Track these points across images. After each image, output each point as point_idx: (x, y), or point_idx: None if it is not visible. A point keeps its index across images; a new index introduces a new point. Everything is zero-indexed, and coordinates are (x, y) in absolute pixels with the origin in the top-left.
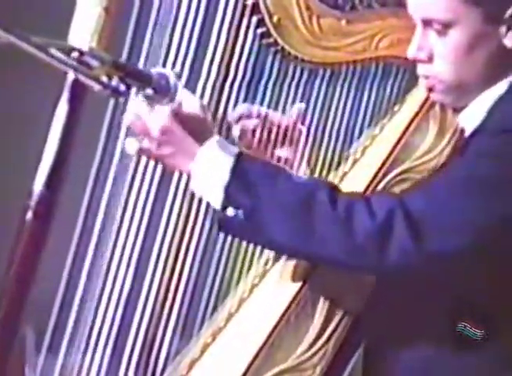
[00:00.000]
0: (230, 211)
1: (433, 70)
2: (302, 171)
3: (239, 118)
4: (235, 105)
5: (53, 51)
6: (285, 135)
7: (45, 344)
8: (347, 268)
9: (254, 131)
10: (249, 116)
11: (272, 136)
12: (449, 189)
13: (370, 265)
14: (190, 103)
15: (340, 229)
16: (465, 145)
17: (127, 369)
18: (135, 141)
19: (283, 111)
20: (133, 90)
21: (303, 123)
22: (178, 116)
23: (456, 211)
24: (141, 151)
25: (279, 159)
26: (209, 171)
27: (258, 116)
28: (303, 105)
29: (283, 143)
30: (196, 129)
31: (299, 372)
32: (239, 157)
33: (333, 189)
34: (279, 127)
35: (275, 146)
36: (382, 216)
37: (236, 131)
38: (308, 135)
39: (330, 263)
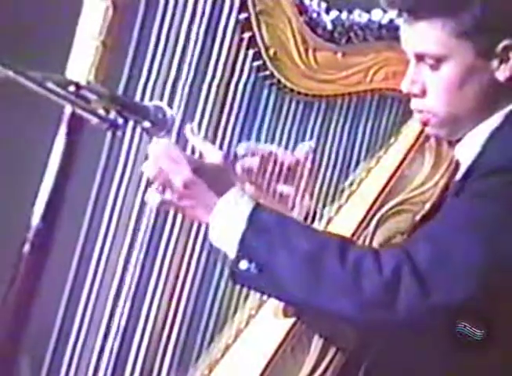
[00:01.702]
0: (243, 265)
1: (426, 105)
2: (305, 204)
3: (244, 155)
4: (231, 138)
5: (51, 85)
6: (287, 170)
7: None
8: (355, 324)
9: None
10: (253, 154)
11: (275, 172)
12: (452, 234)
13: (378, 322)
14: (212, 154)
15: (349, 285)
16: (462, 181)
17: None
18: (157, 194)
19: (280, 143)
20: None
21: (313, 161)
22: (201, 168)
23: (461, 259)
24: (163, 203)
25: (280, 193)
26: (226, 224)
27: (262, 154)
28: (312, 143)
29: (285, 178)
30: (216, 181)
31: None
32: (253, 211)
33: (344, 243)
34: (282, 164)
35: (277, 181)
36: (389, 272)
37: (238, 168)
38: (311, 171)
39: (339, 318)
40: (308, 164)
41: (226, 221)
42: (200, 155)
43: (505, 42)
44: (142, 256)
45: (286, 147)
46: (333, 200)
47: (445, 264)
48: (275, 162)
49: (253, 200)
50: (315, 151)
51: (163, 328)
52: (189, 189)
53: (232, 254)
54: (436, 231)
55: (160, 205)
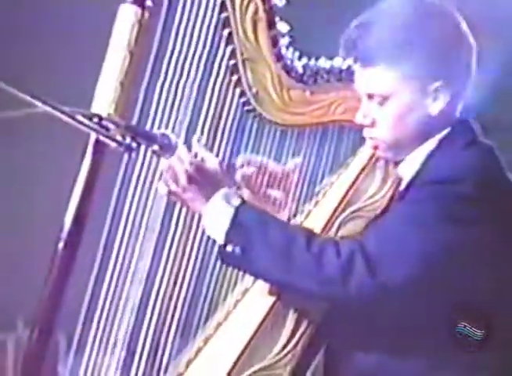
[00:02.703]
0: (229, 248)
1: (375, 133)
2: (289, 207)
3: (242, 165)
4: (224, 155)
5: (79, 117)
6: (276, 179)
7: (73, 347)
8: (317, 298)
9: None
10: (249, 164)
11: (266, 180)
12: (394, 230)
13: (336, 296)
14: (211, 160)
15: (313, 266)
16: (404, 191)
17: (138, 366)
18: (165, 186)
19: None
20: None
21: (299, 173)
22: (201, 170)
23: (399, 247)
24: (170, 193)
25: (270, 197)
26: (215, 216)
27: (257, 164)
28: (300, 159)
29: (274, 185)
30: (212, 180)
31: (273, 370)
32: (238, 209)
33: (311, 234)
34: (271, 173)
35: (268, 187)
36: (345, 255)
37: (238, 175)
38: (297, 181)
39: (305, 293)
40: (296, 175)
41: (216, 213)
42: (201, 160)
43: (436, 84)
44: (152, 248)
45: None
46: (303, 207)
47: (389, 251)
48: (266, 171)
49: (238, 200)
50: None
51: (168, 307)
52: (190, 185)
53: (220, 241)
54: (383, 227)
55: (168, 195)
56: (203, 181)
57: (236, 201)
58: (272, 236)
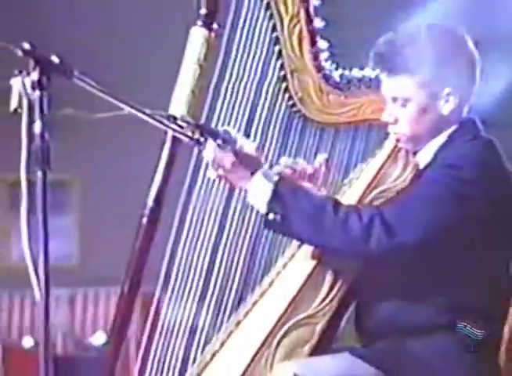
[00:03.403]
0: (271, 216)
1: (398, 129)
2: (327, 189)
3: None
4: (275, 147)
5: (159, 117)
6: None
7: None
8: (344, 254)
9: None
10: (287, 166)
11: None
12: (410, 203)
13: (359, 253)
14: (249, 147)
15: (340, 228)
16: (420, 175)
17: (206, 313)
18: (214, 171)
19: (305, 153)
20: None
21: (327, 167)
22: (240, 155)
23: (414, 216)
24: (218, 177)
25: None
26: (258, 191)
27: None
28: (326, 156)
29: (309, 179)
30: (251, 162)
31: (314, 318)
32: (277, 183)
33: (337, 203)
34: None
35: (303, 180)
36: (366, 219)
37: (277, 169)
38: (326, 173)
39: (334, 251)
40: (323, 169)
41: (258, 188)
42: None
43: (447, 90)
44: (217, 223)
45: (309, 155)
46: (340, 189)
47: (404, 219)
48: (298, 171)
49: (276, 176)
50: (327, 160)
51: (230, 269)
52: (232, 168)
53: (263, 210)
54: (400, 201)
55: (217, 177)
56: (243, 163)
57: (275, 177)
58: (305, 205)
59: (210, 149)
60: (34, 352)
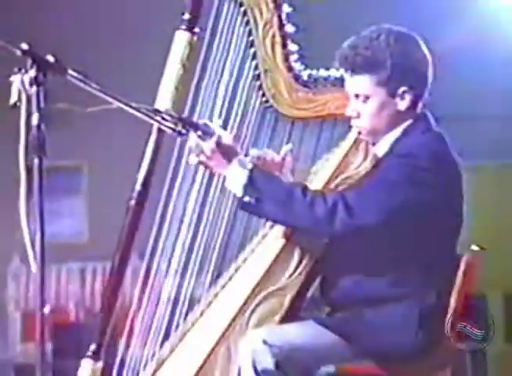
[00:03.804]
0: (246, 199)
1: (360, 123)
2: (288, 179)
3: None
4: (249, 137)
5: (145, 111)
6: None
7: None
8: (312, 233)
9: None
10: (258, 158)
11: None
12: (370, 188)
13: (325, 232)
14: (226, 137)
15: (307, 210)
16: (377, 164)
17: (189, 279)
18: (195, 158)
19: (274, 144)
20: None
21: (292, 157)
22: (219, 144)
23: (374, 200)
24: (199, 162)
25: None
26: (234, 176)
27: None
28: (290, 146)
29: (274, 167)
30: (229, 151)
31: (284, 290)
32: (252, 170)
33: (305, 188)
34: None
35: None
36: (331, 203)
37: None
38: (291, 162)
39: (303, 229)
40: (289, 158)
41: (235, 174)
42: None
43: (402, 88)
44: (198, 205)
45: (280, 146)
46: (307, 176)
47: (364, 202)
48: (267, 159)
49: (251, 164)
50: (291, 150)
51: (209, 244)
52: (212, 155)
53: (239, 194)
54: (362, 187)
55: (197, 164)
56: (221, 152)
57: (249, 165)
58: (276, 189)
59: (193, 138)
60: (51, 319)
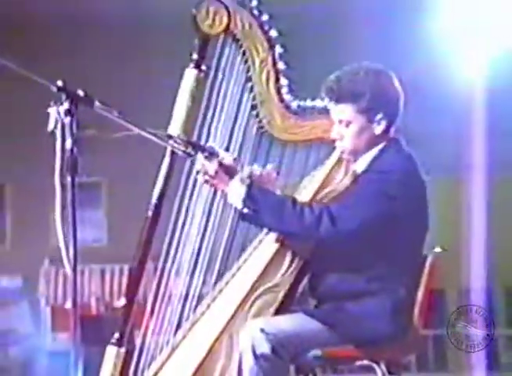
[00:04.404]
0: (245, 210)
1: (343, 144)
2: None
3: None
4: (249, 158)
5: (160, 136)
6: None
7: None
8: (300, 238)
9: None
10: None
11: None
12: (350, 200)
13: (311, 237)
14: (227, 158)
15: (297, 219)
16: (357, 179)
17: (199, 275)
18: (202, 177)
19: (268, 161)
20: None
21: (277, 173)
22: (221, 165)
23: (353, 210)
24: (205, 181)
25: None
26: (235, 192)
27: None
28: (275, 165)
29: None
30: (229, 171)
31: (278, 287)
32: (250, 187)
33: (294, 200)
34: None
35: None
36: (317, 212)
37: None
38: (277, 177)
39: (293, 235)
40: (274, 174)
41: (236, 190)
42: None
43: (379, 116)
44: (204, 213)
45: (270, 163)
46: (296, 190)
47: (345, 212)
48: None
49: (248, 180)
50: (278, 169)
51: (215, 247)
52: (216, 174)
53: (239, 206)
54: (343, 200)
55: (204, 182)
56: (224, 171)
57: (247, 181)
58: (270, 201)
59: (200, 160)
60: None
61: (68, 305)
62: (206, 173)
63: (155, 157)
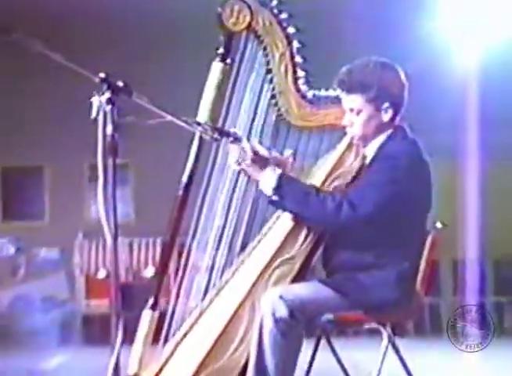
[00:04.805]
0: (274, 197)
1: (353, 130)
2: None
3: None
4: (269, 143)
5: (189, 122)
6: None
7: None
8: (322, 224)
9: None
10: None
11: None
12: (366, 187)
13: (333, 223)
14: (262, 150)
15: (320, 206)
16: (368, 165)
17: (223, 251)
18: (236, 165)
19: (286, 146)
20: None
21: (294, 158)
22: (257, 155)
23: (369, 196)
24: (240, 169)
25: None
26: (267, 180)
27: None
28: (291, 151)
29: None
30: (264, 161)
31: (294, 259)
32: (280, 177)
33: (318, 189)
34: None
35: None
36: (338, 200)
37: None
38: (293, 162)
39: (317, 223)
40: (291, 159)
41: (268, 179)
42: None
43: (386, 104)
44: (229, 192)
45: (287, 147)
46: (309, 174)
47: (362, 198)
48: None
49: (279, 170)
50: (294, 154)
51: (238, 224)
52: (252, 163)
53: (269, 194)
54: (359, 185)
55: (239, 170)
56: (259, 161)
57: (278, 171)
58: (296, 190)
59: (235, 150)
60: (106, 281)
61: (100, 274)
62: (243, 162)
63: (177, 143)
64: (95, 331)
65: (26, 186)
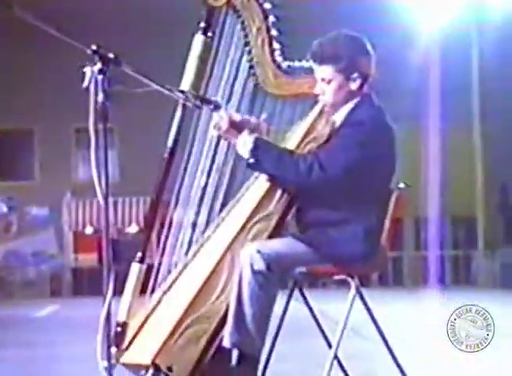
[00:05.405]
0: (251, 160)
1: (324, 98)
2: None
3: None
4: (247, 110)
5: (174, 91)
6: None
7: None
8: (295, 184)
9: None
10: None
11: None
12: (334, 149)
13: (305, 182)
14: (236, 116)
15: (293, 167)
16: (337, 130)
17: (204, 211)
18: (215, 131)
19: (261, 112)
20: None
21: (268, 124)
22: (232, 121)
23: (337, 158)
24: (218, 135)
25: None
26: (244, 144)
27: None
28: (265, 115)
29: (256, 129)
30: (240, 126)
31: (270, 215)
32: (256, 139)
33: (292, 151)
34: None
35: (254, 131)
36: (309, 161)
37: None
38: (269, 128)
39: (290, 183)
40: (264, 123)
41: (245, 142)
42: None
43: (355, 74)
44: (210, 164)
45: (262, 113)
46: (283, 139)
47: (332, 160)
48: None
49: (256, 134)
50: (269, 118)
51: (218, 186)
52: (227, 128)
53: (246, 156)
54: (328, 147)
55: (217, 136)
56: (235, 127)
57: (254, 135)
58: (272, 152)
59: (215, 118)
60: (92, 236)
61: (87, 230)
62: (220, 128)
63: (160, 110)
64: (83, 283)
65: (17, 148)
